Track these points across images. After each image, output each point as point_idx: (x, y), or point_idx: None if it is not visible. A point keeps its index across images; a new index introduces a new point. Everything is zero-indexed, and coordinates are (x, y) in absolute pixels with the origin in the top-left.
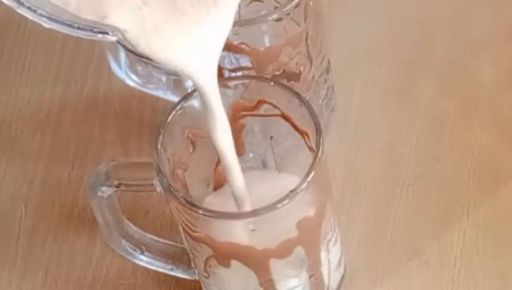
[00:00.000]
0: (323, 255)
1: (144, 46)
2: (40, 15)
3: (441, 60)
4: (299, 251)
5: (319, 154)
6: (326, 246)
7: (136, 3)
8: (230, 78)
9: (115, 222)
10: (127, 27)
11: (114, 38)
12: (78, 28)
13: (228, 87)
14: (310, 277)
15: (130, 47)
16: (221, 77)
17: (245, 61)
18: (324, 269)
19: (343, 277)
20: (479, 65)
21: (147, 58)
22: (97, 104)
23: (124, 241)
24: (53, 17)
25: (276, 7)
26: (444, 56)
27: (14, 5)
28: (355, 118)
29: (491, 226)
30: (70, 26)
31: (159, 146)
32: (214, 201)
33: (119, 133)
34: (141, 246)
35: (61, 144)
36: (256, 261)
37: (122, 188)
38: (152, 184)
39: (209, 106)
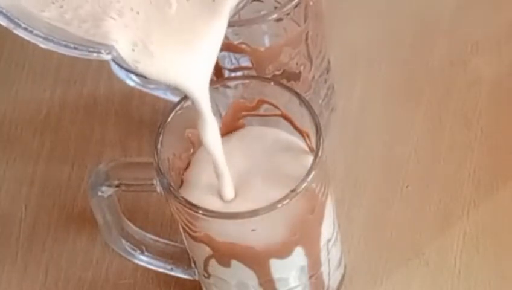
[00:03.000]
0: (323, 255)
1: (141, 65)
2: (37, 35)
3: (441, 60)
4: (299, 251)
5: (319, 154)
6: (326, 246)
7: (133, 26)
8: (230, 78)
9: (115, 222)
10: (124, 46)
11: (109, 57)
12: (75, 48)
13: (228, 87)
14: (310, 277)
15: (125, 66)
16: (221, 77)
17: (245, 61)
18: (324, 269)
19: (343, 277)
20: (479, 65)
21: (142, 76)
22: (97, 104)
23: (124, 241)
24: (49, 38)
25: (276, 7)
26: (444, 56)
27: (10, 26)
28: (355, 118)
29: (491, 226)
30: (66, 46)
31: (159, 146)
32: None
33: (119, 133)
34: (141, 246)
35: (61, 144)
36: (256, 261)
37: (122, 188)
38: (152, 184)
39: (200, 113)
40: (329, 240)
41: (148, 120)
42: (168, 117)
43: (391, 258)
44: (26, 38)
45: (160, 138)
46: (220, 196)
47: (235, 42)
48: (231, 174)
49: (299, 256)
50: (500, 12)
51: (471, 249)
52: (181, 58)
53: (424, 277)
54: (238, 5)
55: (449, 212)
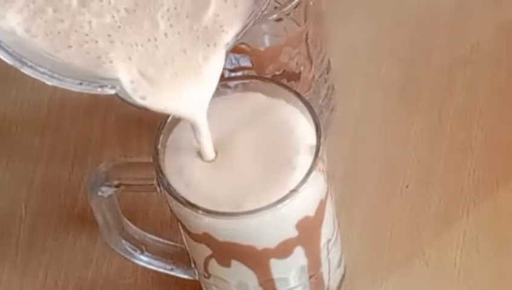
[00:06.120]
0: (323, 255)
1: (148, 99)
2: (43, 73)
3: (441, 60)
4: (299, 251)
5: (319, 154)
6: (326, 246)
7: (137, 61)
8: (230, 78)
9: (115, 222)
10: (128, 81)
11: (113, 92)
12: (80, 84)
13: (228, 87)
14: (310, 277)
15: (128, 100)
16: (221, 77)
17: (245, 61)
18: (324, 269)
19: (343, 277)
20: (479, 65)
21: (144, 108)
22: (97, 104)
23: (124, 241)
24: (55, 76)
25: (276, 7)
26: (444, 56)
27: (17, 65)
28: (355, 118)
29: (491, 226)
30: (72, 83)
31: (159, 146)
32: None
33: (119, 133)
34: (141, 246)
35: (61, 144)
36: (256, 261)
37: (122, 188)
38: (152, 184)
39: (196, 128)
40: (329, 240)
41: (148, 120)
42: (168, 117)
43: (391, 258)
44: (33, 76)
45: (160, 138)
46: (201, 157)
47: None
48: (213, 135)
49: (299, 256)
50: (500, 12)
51: (471, 249)
52: (186, 91)
53: (424, 277)
54: (237, 35)
55: (449, 212)
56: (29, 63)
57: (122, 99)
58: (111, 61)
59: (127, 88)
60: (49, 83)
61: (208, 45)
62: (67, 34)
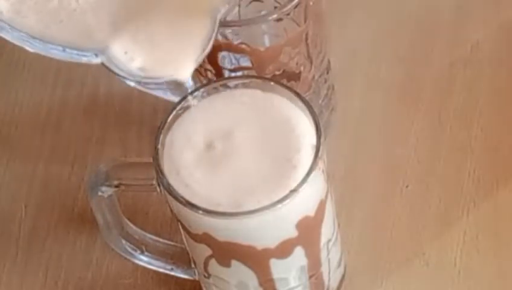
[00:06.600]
0: (323, 255)
1: (139, 62)
2: (22, 39)
3: (441, 60)
4: (299, 251)
5: (319, 154)
6: (326, 246)
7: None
8: (230, 78)
9: (115, 222)
10: (121, 52)
11: (98, 60)
12: (63, 51)
13: (228, 87)
14: (310, 277)
15: (115, 70)
16: (221, 77)
17: (245, 61)
18: (324, 269)
19: (343, 277)
20: (479, 65)
21: (137, 79)
22: (97, 104)
23: (124, 241)
24: (36, 39)
25: (276, 7)
26: (444, 56)
27: None
28: (355, 118)
29: (491, 226)
30: (55, 49)
31: (159, 146)
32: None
33: (119, 133)
34: (141, 246)
35: (61, 144)
36: (256, 261)
37: (122, 188)
38: (152, 184)
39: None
40: (329, 240)
41: (148, 120)
42: (168, 117)
43: (391, 258)
44: (12, 41)
45: (160, 138)
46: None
47: (235, 42)
48: (214, 134)
49: (299, 256)
50: (500, 12)
51: (471, 249)
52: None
53: (424, 277)
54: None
55: (449, 212)
56: (8, 27)
57: (108, 69)
58: (101, 32)
59: (121, 58)
60: (31, 49)
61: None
62: (58, 11)
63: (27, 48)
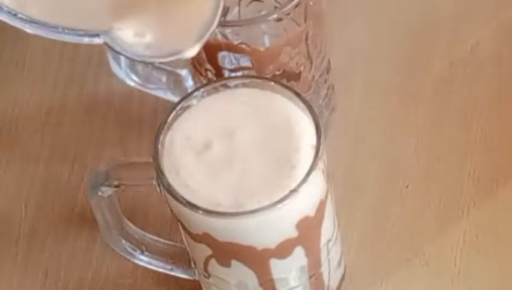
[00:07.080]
0: (323, 255)
1: (147, 38)
2: (22, 20)
3: (441, 60)
4: (299, 251)
5: (319, 154)
6: (326, 246)
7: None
8: (230, 78)
9: (115, 222)
10: (130, 34)
11: (101, 41)
12: (64, 33)
13: (228, 87)
14: (310, 277)
15: (117, 49)
16: (221, 77)
17: (245, 61)
18: (324, 269)
19: (343, 277)
20: (479, 65)
21: (142, 59)
22: (97, 104)
23: (124, 241)
24: (35, 21)
25: (276, 7)
26: (444, 56)
27: None
28: (355, 118)
29: (491, 226)
30: (55, 31)
31: (159, 146)
32: None
33: (119, 133)
34: (141, 246)
35: (61, 144)
36: (256, 261)
37: (122, 188)
38: (152, 184)
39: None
40: (329, 240)
41: (148, 120)
42: (168, 117)
43: (391, 258)
44: (11, 23)
45: (160, 138)
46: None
47: (235, 42)
48: (214, 133)
49: (299, 256)
50: (500, 12)
51: (471, 249)
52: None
53: (424, 277)
54: None
55: (449, 212)
56: (6, 9)
57: (111, 48)
58: (106, 11)
59: (127, 37)
60: (29, 31)
61: None
62: None
63: (27, 30)
